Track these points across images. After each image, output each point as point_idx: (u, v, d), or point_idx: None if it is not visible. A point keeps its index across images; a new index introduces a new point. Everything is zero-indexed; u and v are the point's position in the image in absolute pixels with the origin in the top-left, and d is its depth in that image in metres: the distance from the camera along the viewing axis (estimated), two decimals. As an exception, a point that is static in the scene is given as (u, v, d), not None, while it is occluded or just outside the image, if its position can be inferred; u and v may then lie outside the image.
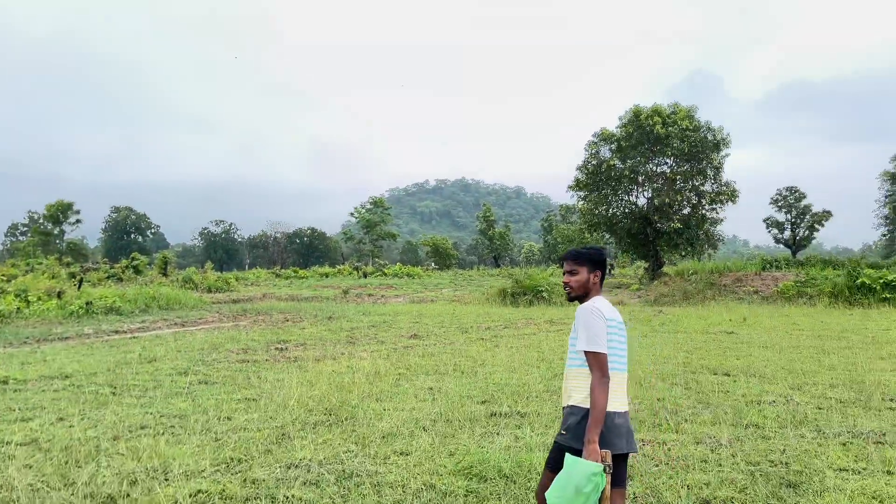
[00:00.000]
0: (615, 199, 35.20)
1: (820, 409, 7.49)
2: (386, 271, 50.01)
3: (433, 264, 75.32)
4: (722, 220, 34.17)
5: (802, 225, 65.67)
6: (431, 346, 13.80)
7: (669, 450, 5.99)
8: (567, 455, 3.09)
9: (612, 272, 49.29)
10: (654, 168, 33.86)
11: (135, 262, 39.47)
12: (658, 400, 8.12)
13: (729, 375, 9.91)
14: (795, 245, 64.88)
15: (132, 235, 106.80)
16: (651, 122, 31.56)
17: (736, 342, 13.66)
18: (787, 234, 66.20)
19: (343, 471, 5.45)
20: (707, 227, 33.43)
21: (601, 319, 3.16)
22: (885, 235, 67.88)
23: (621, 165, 33.74)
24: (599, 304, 3.26)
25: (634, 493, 4.93)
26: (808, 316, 19.27)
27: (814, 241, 65.88)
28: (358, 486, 5.11)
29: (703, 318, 18.91)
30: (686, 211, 33.24)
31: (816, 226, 64.78)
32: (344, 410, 7.64)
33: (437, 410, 7.53)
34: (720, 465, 5.56)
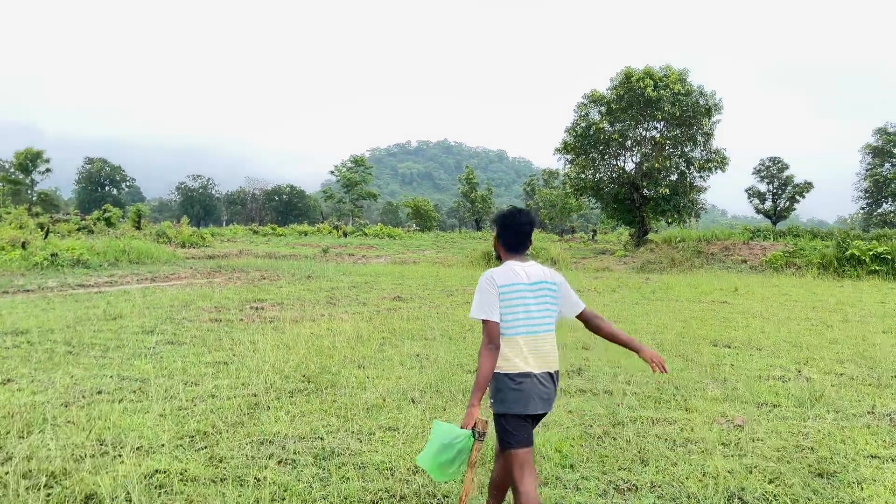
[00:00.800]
0: (602, 164, 34.52)
1: (833, 386, 7.01)
2: (366, 231, 49.15)
3: (414, 226, 74.49)
4: (707, 188, 33.77)
5: (784, 196, 65.91)
6: (416, 309, 13.19)
7: (681, 430, 5.46)
8: (435, 421, 3.31)
9: (595, 238, 48.96)
10: (644, 132, 33.16)
11: (107, 215, 38.09)
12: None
13: (730, 347, 9.43)
14: (776, 216, 65.13)
15: (106, 188, 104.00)
16: (642, 85, 30.71)
17: (731, 312, 13.22)
18: (769, 204, 66.48)
19: (322, 448, 4.84)
20: (693, 195, 32.98)
21: (491, 287, 3.24)
22: (863, 209, 68.24)
23: (610, 129, 32.98)
24: (498, 271, 3.34)
25: (652, 482, 4.38)
26: (799, 287, 18.96)
27: (791, 213, 66.23)
28: (339, 468, 4.50)
29: (693, 286, 18.51)
30: (674, 177, 32.71)
31: (797, 197, 65.07)
32: (324, 378, 7.01)
33: (426, 380, 6.92)
34: (741, 448, 5.03)
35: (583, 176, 34.52)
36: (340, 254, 31.94)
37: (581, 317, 3.54)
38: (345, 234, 48.66)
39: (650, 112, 31.46)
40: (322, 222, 65.92)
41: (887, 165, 63.57)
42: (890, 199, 63.93)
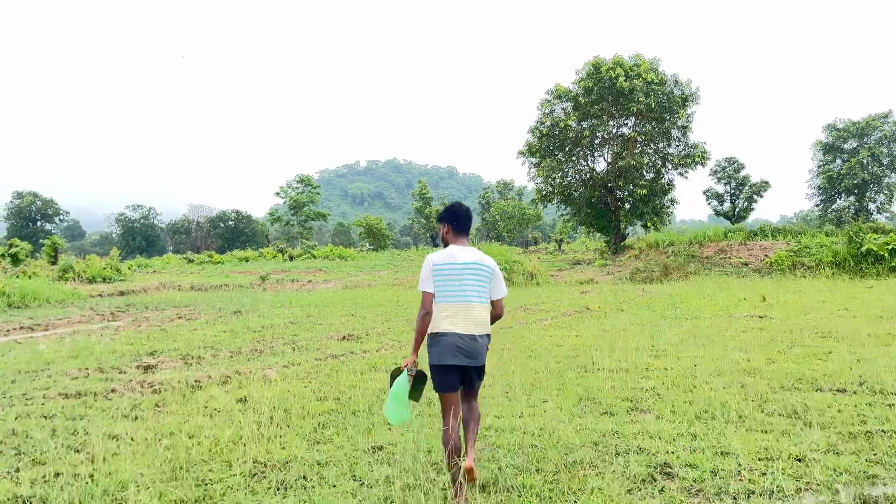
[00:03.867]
0: (571, 166, 31.40)
1: None
2: (315, 253, 44.95)
3: (368, 245, 70.50)
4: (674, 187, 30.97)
5: (741, 196, 65.54)
6: (373, 352, 9.54)
7: None
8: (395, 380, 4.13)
9: (562, 248, 45.89)
10: (615, 128, 30.22)
11: (13, 250, 33.01)
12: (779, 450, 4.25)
13: (844, 392, 6.18)
14: (735, 216, 64.56)
15: (38, 223, 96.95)
16: (613, 75, 27.79)
17: (787, 332, 10.04)
18: (727, 205, 66.05)
19: None
20: (672, 195, 30.17)
21: (427, 266, 4.07)
22: (817, 206, 67.64)
23: (578, 126, 29.92)
24: (436, 254, 4.14)
25: None
26: (827, 290, 16.06)
27: (750, 213, 65.71)
28: None
29: (707, 297, 15.37)
30: (650, 176, 29.83)
31: (755, 196, 64.71)
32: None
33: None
34: None
35: (550, 180, 31.26)
36: (282, 280, 27.80)
37: (493, 302, 4.19)
38: (290, 258, 44.35)
39: (623, 105, 28.49)
40: (267, 246, 61.35)
41: (838, 161, 63.13)
42: (843, 195, 63.40)
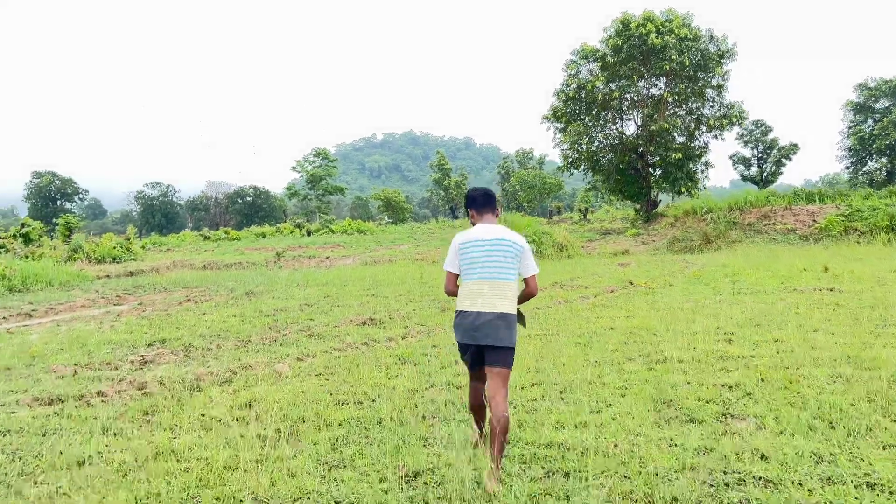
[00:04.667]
0: (599, 130, 29.71)
1: None
2: (333, 228, 43.79)
3: (386, 219, 69.36)
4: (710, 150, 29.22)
5: (769, 160, 63.72)
6: (399, 340, 8.40)
7: None
8: None
9: (587, 217, 44.20)
10: (646, 89, 28.43)
11: (24, 230, 32.31)
12: None
13: None
14: (763, 181, 62.74)
15: (58, 202, 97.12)
16: (644, 31, 25.98)
17: (868, 308, 8.97)
18: (755, 170, 64.28)
19: None
20: (706, 159, 28.45)
21: (454, 246, 4.09)
22: (847, 168, 65.19)
23: (605, 89, 28.17)
24: (462, 234, 4.13)
25: None
26: (891, 258, 14.64)
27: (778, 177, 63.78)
28: None
29: (764, 269, 14.00)
30: (682, 139, 28.11)
31: (783, 160, 62.86)
32: None
33: None
34: None
35: (577, 145, 29.63)
36: (299, 256, 26.73)
37: (527, 280, 4.07)
38: (308, 233, 43.29)
39: (654, 63, 26.70)
40: (284, 221, 60.44)
41: (870, 121, 60.49)
42: (875, 156, 60.87)
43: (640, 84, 27.99)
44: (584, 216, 45.02)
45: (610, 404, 5.30)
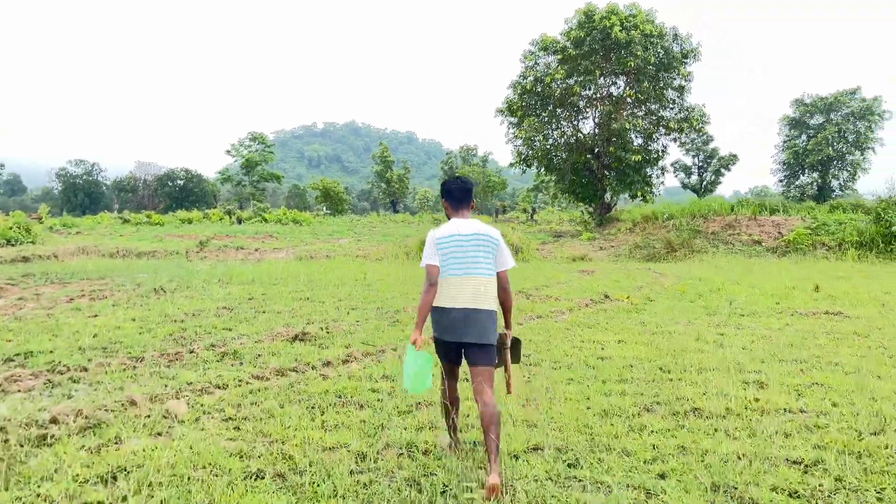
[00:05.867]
0: (555, 126, 28.27)
1: None
2: (266, 216, 41.02)
3: (325, 209, 66.51)
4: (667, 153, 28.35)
5: (709, 169, 65.26)
6: (338, 364, 6.47)
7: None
8: (409, 346, 3.85)
9: (535, 218, 42.99)
10: (606, 87, 27.17)
11: (-89, 206, 28.43)
12: None
13: None
14: (703, 190, 64.02)
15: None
16: (608, 24, 24.65)
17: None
18: (695, 178, 65.65)
19: None
20: (664, 163, 27.46)
21: (431, 241, 3.88)
22: (781, 181, 66.96)
23: (563, 83, 26.72)
24: (439, 229, 3.95)
25: None
26: (870, 276, 13.65)
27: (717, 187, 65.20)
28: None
29: (748, 284, 12.61)
30: (640, 141, 27.01)
31: (723, 170, 64.48)
32: None
33: None
34: None
35: (532, 143, 28.06)
36: (226, 247, 24.17)
37: (499, 274, 3.92)
38: (239, 221, 40.37)
39: (617, 59, 25.43)
40: (214, 207, 56.93)
41: (804, 137, 62.08)
42: (807, 171, 62.51)
43: (601, 81, 26.70)
44: (532, 216, 43.81)
45: (648, 491, 3.59)
